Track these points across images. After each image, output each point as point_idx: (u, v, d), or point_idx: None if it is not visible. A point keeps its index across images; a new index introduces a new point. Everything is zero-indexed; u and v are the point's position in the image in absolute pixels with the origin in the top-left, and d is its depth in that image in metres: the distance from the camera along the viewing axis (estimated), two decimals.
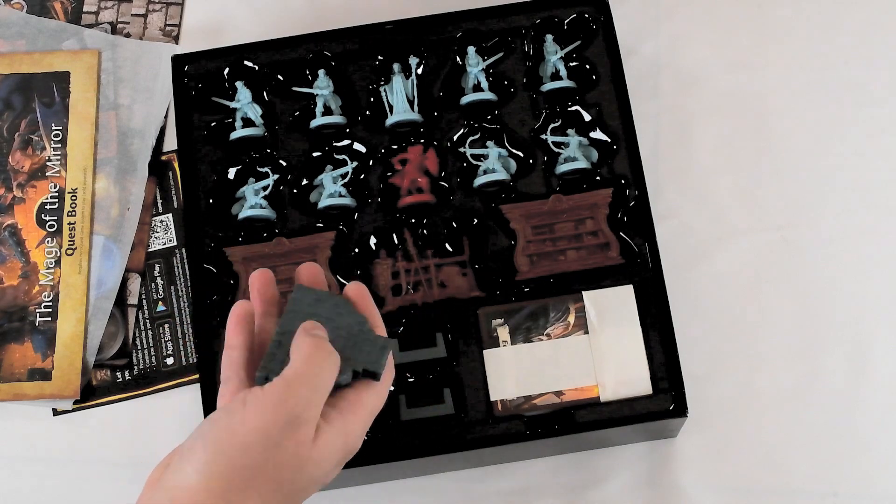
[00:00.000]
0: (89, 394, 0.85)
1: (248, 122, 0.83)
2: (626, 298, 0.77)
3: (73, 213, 0.88)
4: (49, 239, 0.88)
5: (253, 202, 0.80)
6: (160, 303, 0.87)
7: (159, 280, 0.87)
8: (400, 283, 0.78)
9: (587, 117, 0.82)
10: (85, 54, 0.92)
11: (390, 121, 0.82)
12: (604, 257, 0.77)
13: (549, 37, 0.83)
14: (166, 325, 0.86)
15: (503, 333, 0.77)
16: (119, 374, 0.86)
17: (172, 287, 0.87)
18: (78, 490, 0.83)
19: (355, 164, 0.81)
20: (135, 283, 0.87)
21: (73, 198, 0.88)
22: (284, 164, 0.82)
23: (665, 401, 0.75)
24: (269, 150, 0.83)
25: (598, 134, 0.81)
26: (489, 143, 0.81)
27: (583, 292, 0.77)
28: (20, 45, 0.93)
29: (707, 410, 0.80)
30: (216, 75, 0.84)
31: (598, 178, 0.80)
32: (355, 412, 0.60)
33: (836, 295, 0.84)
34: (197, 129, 0.83)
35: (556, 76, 0.83)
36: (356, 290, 0.64)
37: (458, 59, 0.84)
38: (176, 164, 0.90)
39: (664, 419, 0.75)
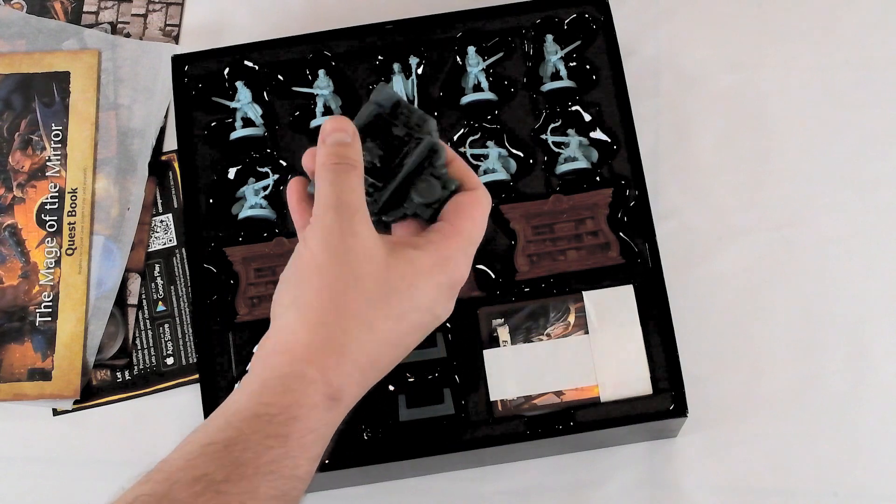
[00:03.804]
0: (89, 394, 0.85)
1: (248, 122, 0.83)
2: (626, 298, 0.77)
3: (73, 213, 0.88)
4: (49, 239, 0.88)
5: (253, 202, 0.80)
6: (160, 303, 0.87)
7: (159, 280, 0.87)
8: None
9: (587, 117, 0.82)
10: (85, 54, 0.92)
11: None
12: (604, 257, 0.77)
13: (549, 37, 0.83)
14: (166, 325, 0.86)
15: (503, 333, 0.77)
16: (119, 374, 0.86)
17: (172, 287, 0.87)
18: (78, 490, 0.83)
19: None
20: (135, 283, 0.87)
21: (73, 198, 0.88)
22: (284, 164, 0.82)
23: (665, 401, 0.75)
24: (269, 150, 0.83)
25: (598, 134, 0.81)
26: (489, 143, 0.81)
27: (583, 292, 0.77)
28: (20, 45, 0.93)
29: (707, 410, 0.80)
30: (216, 75, 0.84)
31: (598, 178, 0.80)
32: (448, 237, 0.59)
33: (836, 295, 0.84)
34: (197, 129, 0.83)
35: (556, 76, 0.83)
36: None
37: (458, 59, 0.84)
38: (176, 164, 0.90)
39: (664, 419, 0.75)
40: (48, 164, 0.89)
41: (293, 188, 0.61)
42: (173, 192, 0.89)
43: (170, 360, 0.86)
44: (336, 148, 0.58)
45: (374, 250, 0.57)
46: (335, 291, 0.56)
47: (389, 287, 0.57)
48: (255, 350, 0.58)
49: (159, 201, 0.89)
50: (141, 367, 0.86)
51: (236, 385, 0.59)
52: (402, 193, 0.61)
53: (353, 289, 0.56)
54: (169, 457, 0.54)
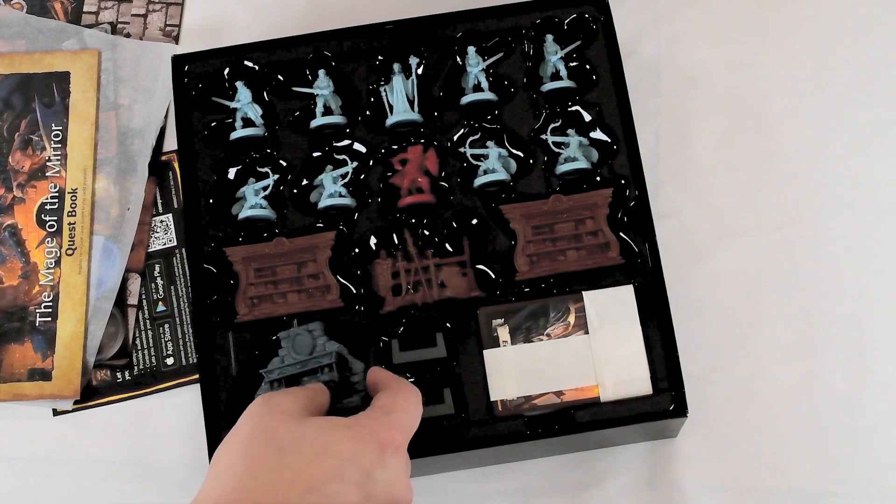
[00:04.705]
0: (89, 394, 0.85)
1: (248, 122, 0.83)
2: (626, 298, 0.77)
3: (73, 213, 0.88)
4: (49, 239, 0.88)
5: (253, 202, 0.80)
6: (160, 303, 0.87)
7: (159, 280, 0.87)
8: (400, 283, 0.78)
9: (587, 117, 0.82)
10: (85, 54, 0.92)
11: (390, 121, 0.82)
12: (604, 257, 0.77)
13: (549, 37, 0.83)
14: (166, 325, 0.86)
15: (503, 333, 0.77)
16: (119, 374, 0.86)
17: (172, 287, 0.87)
18: (78, 490, 0.83)
19: (355, 164, 0.81)
20: (135, 283, 0.87)
21: (73, 198, 0.88)
22: (284, 164, 0.82)
23: (665, 401, 0.75)
24: (269, 150, 0.83)
25: (598, 134, 0.81)
26: (489, 143, 0.81)
27: (583, 292, 0.77)
28: (20, 45, 0.93)
29: (707, 410, 0.80)
30: (216, 75, 0.84)
31: (598, 178, 0.80)
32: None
33: (836, 294, 0.84)
34: (197, 129, 0.83)
35: (556, 76, 0.83)
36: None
37: (458, 59, 0.84)
38: (176, 164, 0.90)
39: (664, 419, 0.75)
40: (48, 164, 0.89)
41: None
42: (173, 192, 0.89)
43: (170, 360, 0.86)
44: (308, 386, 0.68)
45: (290, 413, 0.61)
46: (244, 445, 0.60)
47: (302, 435, 0.60)
48: None
49: (159, 201, 0.89)
50: (141, 367, 0.86)
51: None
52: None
53: (263, 440, 0.59)
54: None
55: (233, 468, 0.59)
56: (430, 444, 0.75)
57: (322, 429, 0.60)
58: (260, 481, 0.58)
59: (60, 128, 0.90)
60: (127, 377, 0.86)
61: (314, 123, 0.82)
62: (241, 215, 0.80)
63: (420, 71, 0.83)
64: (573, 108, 0.82)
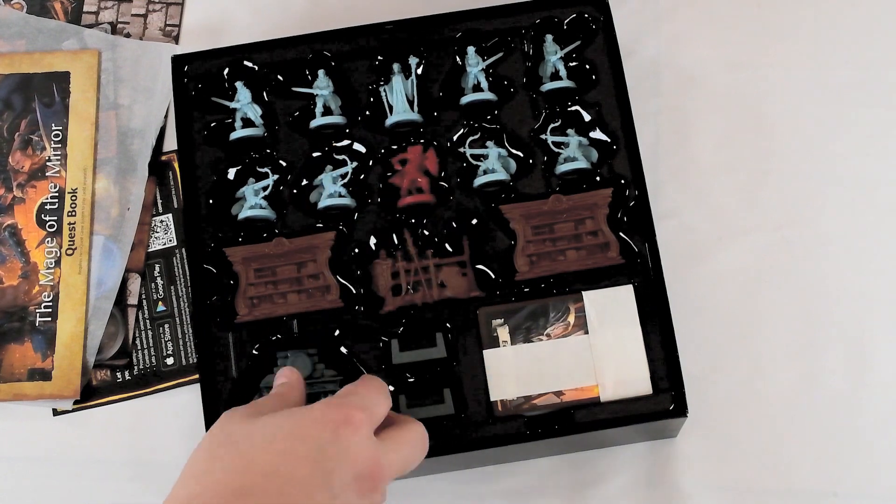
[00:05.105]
0: (89, 394, 0.85)
1: (248, 122, 0.83)
2: (626, 298, 0.77)
3: (73, 213, 0.88)
4: (49, 239, 0.88)
5: (253, 202, 0.80)
6: (160, 303, 0.87)
7: (159, 280, 0.87)
8: (400, 283, 0.78)
9: (587, 117, 0.82)
10: (85, 54, 0.92)
11: (390, 121, 0.82)
12: (604, 257, 0.77)
13: (549, 37, 0.83)
14: (166, 325, 0.86)
15: (503, 333, 0.77)
16: (119, 374, 0.86)
17: (172, 287, 0.87)
18: (78, 490, 0.84)
19: (355, 164, 0.81)
20: (135, 283, 0.87)
21: (73, 198, 0.88)
22: (284, 164, 0.82)
23: (665, 401, 0.75)
24: (269, 150, 0.83)
25: (597, 134, 0.81)
26: (489, 143, 0.81)
27: (583, 292, 0.77)
28: (20, 45, 0.93)
29: (707, 410, 0.80)
30: (216, 75, 0.84)
31: (597, 178, 0.80)
32: None
33: (836, 294, 0.84)
34: (197, 129, 0.83)
35: (556, 76, 0.83)
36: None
37: (458, 59, 0.84)
38: (176, 164, 0.90)
39: (664, 419, 0.75)
40: (48, 164, 0.89)
41: None
42: (173, 192, 0.89)
43: (170, 360, 0.86)
44: (279, 388, 0.70)
45: (248, 415, 0.64)
46: (205, 450, 0.62)
47: (254, 427, 0.62)
48: None
49: (159, 201, 0.89)
50: (141, 367, 0.86)
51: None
52: None
53: (220, 441, 0.62)
54: None
55: (191, 469, 0.61)
56: (430, 444, 0.75)
57: (273, 417, 0.63)
58: (213, 474, 0.60)
59: (60, 128, 0.90)
60: (127, 377, 0.86)
61: (314, 123, 0.82)
62: (241, 215, 0.80)
63: (420, 71, 0.83)
64: (573, 108, 0.82)
